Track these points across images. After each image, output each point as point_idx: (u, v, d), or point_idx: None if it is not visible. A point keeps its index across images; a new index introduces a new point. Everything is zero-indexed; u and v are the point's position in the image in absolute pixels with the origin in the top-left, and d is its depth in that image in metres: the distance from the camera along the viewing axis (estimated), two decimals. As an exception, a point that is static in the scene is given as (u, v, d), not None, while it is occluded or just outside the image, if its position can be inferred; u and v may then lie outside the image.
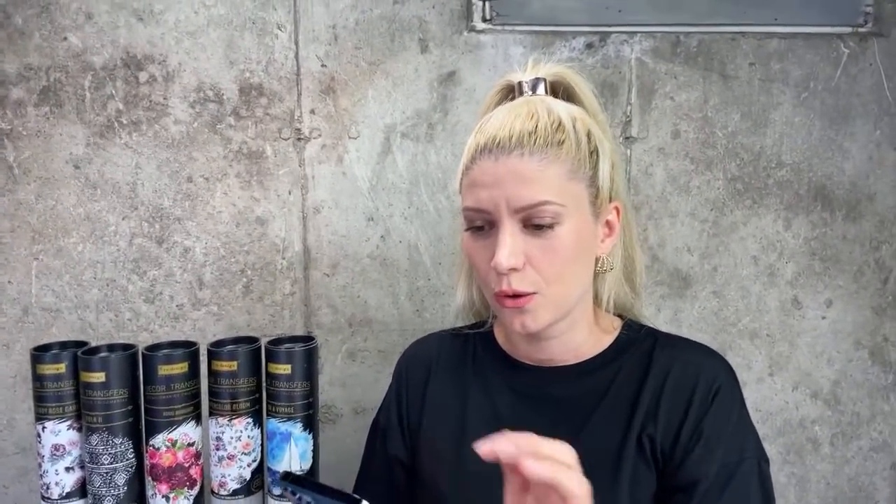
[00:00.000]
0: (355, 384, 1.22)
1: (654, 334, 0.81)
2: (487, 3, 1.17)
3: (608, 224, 0.76)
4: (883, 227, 1.25)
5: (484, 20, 1.17)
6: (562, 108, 0.72)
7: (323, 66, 1.15)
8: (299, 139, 1.16)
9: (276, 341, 0.86)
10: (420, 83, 1.17)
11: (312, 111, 1.16)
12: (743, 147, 1.22)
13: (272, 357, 0.84)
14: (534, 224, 0.68)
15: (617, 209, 0.76)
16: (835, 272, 1.25)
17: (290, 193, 1.17)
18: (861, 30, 1.22)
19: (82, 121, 1.13)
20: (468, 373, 0.85)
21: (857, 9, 1.22)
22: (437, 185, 1.19)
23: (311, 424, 0.85)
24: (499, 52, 1.18)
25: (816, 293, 1.25)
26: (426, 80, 1.17)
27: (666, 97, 1.20)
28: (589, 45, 1.19)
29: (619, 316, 0.84)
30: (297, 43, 1.14)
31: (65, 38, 1.11)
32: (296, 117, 1.16)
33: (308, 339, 0.88)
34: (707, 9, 1.20)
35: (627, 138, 1.20)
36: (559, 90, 0.77)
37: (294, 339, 0.88)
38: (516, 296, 0.70)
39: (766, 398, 1.27)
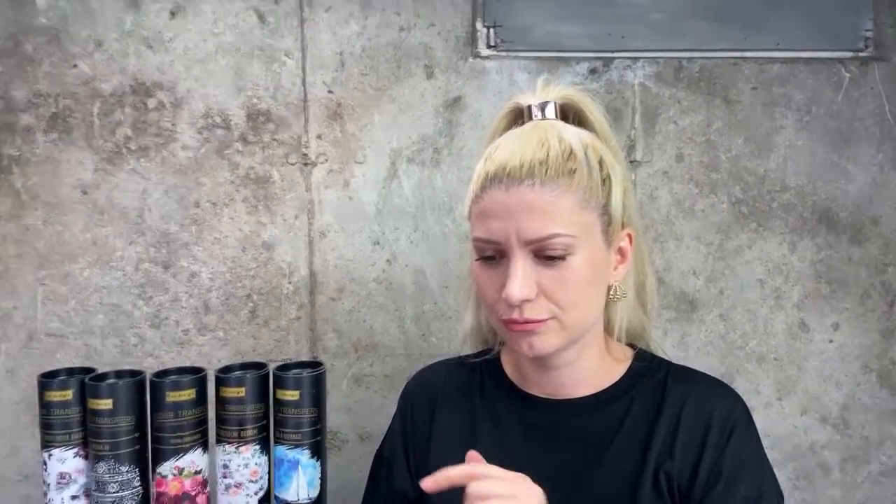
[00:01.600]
0: (361, 410, 1.21)
1: (667, 366, 0.80)
2: (492, 30, 1.19)
3: (621, 251, 0.74)
4: (888, 250, 1.25)
5: (488, 46, 1.19)
6: (573, 134, 0.71)
7: (330, 91, 1.16)
8: (306, 164, 1.17)
9: (284, 367, 0.86)
10: (426, 108, 1.18)
11: (319, 136, 1.17)
12: (747, 170, 1.22)
13: (280, 383, 0.83)
14: (545, 256, 0.67)
15: (629, 236, 0.75)
16: (841, 295, 1.25)
17: (296, 218, 1.17)
18: (862, 54, 1.23)
19: (90, 147, 1.13)
20: (476, 404, 0.82)
21: (858, 34, 1.24)
22: (442, 209, 1.19)
23: (318, 451, 0.85)
24: (503, 77, 1.19)
25: (823, 316, 1.25)
26: (432, 106, 1.18)
27: (669, 121, 1.21)
28: (593, 71, 1.20)
29: (630, 345, 0.82)
30: (304, 69, 1.16)
31: (74, 66, 1.13)
32: (303, 142, 1.17)
33: (316, 364, 0.87)
34: (709, 34, 1.21)
35: (632, 162, 1.21)
36: (569, 114, 0.76)
37: (301, 365, 0.88)
38: (527, 322, 0.69)
39: (774, 423, 1.26)
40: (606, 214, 0.70)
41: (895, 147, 1.24)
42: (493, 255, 0.70)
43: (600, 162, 0.70)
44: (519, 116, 0.77)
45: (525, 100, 0.76)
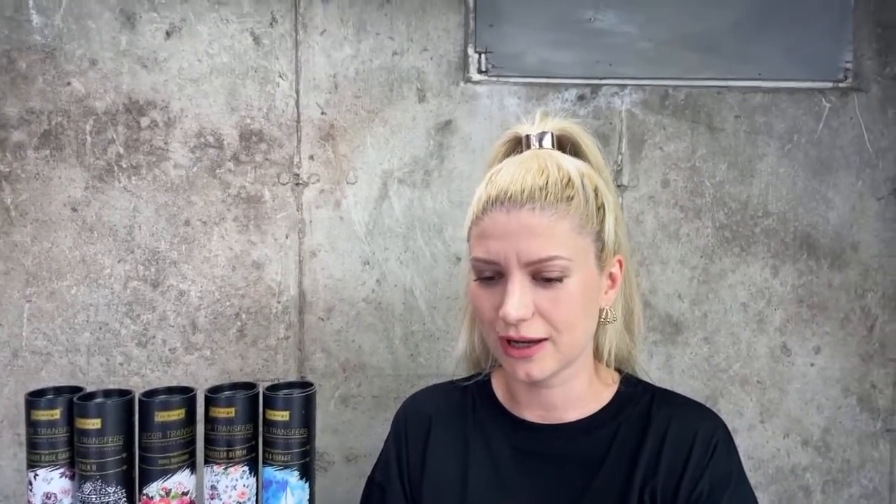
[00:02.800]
0: (348, 431, 1.21)
1: (652, 390, 0.82)
2: (483, 56, 1.21)
3: (611, 276, 0.77)
4: (867, 276, 1.28)
5: (479, 72, 1.21)
6: (570, 163, 0.74)
7: (323, 113, 1.18)
8: (297, 184, 1.18)
9: (274, 387, 0.86)
10: (417, 131, 1.20)
11: (311, 157, 1.18)
12: (730, 196, 1.25)
13: (270, 403, 0.83)
14: (543, 277, 0.70)
15: (620, 262, 0.77)
16: (822, 319, 1.27)
17: (287, 237, 1.18)
18: (841, 85, 1.27)
19: (82, 164, 1.14)
20: (468, 429, 0.83)
21: (838, 65, 1.27)
22: (432, 230, 1.21)
23: (307, 473, 0.84)
24: (494, 102, 1.21)
25: (805, 340, 1.27)
26: (423, 129, 1.20)
27: (655, 147, 1.24)
28: (581, 97, 1.23)
29: (617, 370, 0.84)
30: (297, 91, 1.17)
31: (68, 84, 1.13)
32: (295, 163, 1.18)
33: (306, 384, 0.87)
34: (694, 64, 1.24)
35: (619, 186, 1.23)
36: (566, 144, 0.79)
37: (291, 385, 0.88)
38: (524, 343, 0.71)
39: (757, 445, 1.27)
40: (600, 241, 0.73)
41: (874, 175, 1.27)
42: (492, 276, 0.72)
43: (595, 190, 0.73)
44: (517, 145, 0.80)
45: (524, 130, 0.79)
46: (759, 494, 1.26)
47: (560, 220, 0.69)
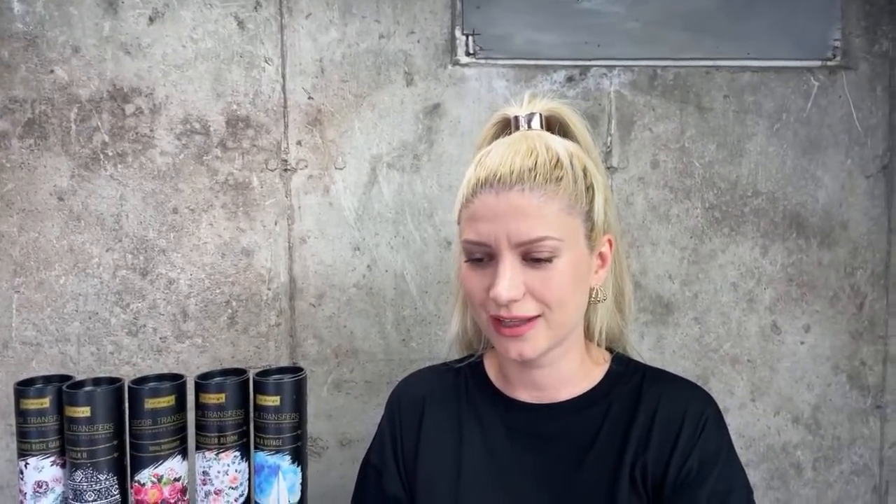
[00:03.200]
0: (341, 416, 1.21)
1: (643, 369, 0.82)
2: (471, 38, 1.20)
3: (601, 256, 0.77)
4: (857, 254, 1.28)
5: (467, 54, 1.20)
6: (559, 144, 0.73)
7: (310, 98, 1.17)
8: (286, 170, 1.17)
9: (265, 373, 0.86)
10: (406, 115, 1.19)
11: (299, 142, 1.17)
12: (720, 176, 1.25)
13: (260, 388, 0.83)
14: (533, 258, 0.70)
15: (610, 241, 0.78)
16: (811, 298, 1.28)
17: (276, 224, 1.17)
18: (830, 63, 1.27)
19: (67, 153, 1.12)
20: (462, 409, 0.84)
21: (826, 43, 1.27)
22: (423, 214, 1.20)
23: (299, 457, 0.85)
24: (482, 84, 1.20)
25: (794, 318, 1.28)
26: (412, 112, 1.19)
27: (644, 128, 1.23)
28: (569, 79, 1.22)
29: (608, 349, 0.85)
30: (284, 76, 1.16)
31: (51, 71, 1.12)
32: (282, 148, 1.17)
33: (296, 369, 0.87)
34: (682, 44, 1.24)
35: (608, 168, 1.23)
36: (554, 125, 0.79)
37: (282, 371, 0.88)
38: (515, 321, 0.71)
39: (748, 424, 1.28)
40: (590, 220, 0.73)
41: (863, 153, 1.28)
42: (482, 258, 0.73)
43: (584, 170, 0.73)
44: (506, 127, 0.80)
45: (512, 111, 0.79)
46: (750, 472, 1.28)
47: (549, 200, 0.69)
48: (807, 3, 1.26)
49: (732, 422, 1.27)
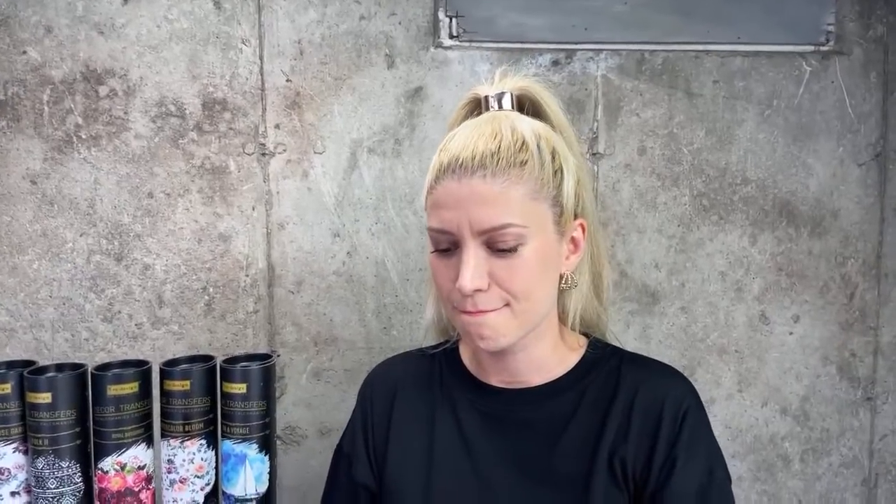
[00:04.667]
0: (321, 404, 1.19)
1: (620, 353, 0.81)
2: (454, 20, 1.17)
3: (573, 241, 0.75)
4: (848, 243, 1.26)
5: (451, 36, 1.17)
6: (526, 125, 0.71)
7: (288, 80, 1.14)
8: (264, 154, 1.15)
9: (232, 359, 0.84)
10: (387, 98, 1.17)
11: (277, 126, 1.15)
12: (708, 163, 1.22)
13: (227, 376, 0.82)
14: (498, 248, 0.68)
15: (582, 226, 0.75)
16: (801, 288, 1.26)
17: (253, 209, 1.15)
18: (823, 48, 1.24)
19: (40, 135, 1.10)
20: (435, 395, 0.83)
21: (819, 28, 1.24)
22: (404, 200, 1.18)
23: (267, 446, 0.83)
24: (465, 68, 1.18)
25: (783, 308, 1.26)
26: (393, 96, 1.17)
27: (632, 114, 1.21)
28: (555, 62, 1.19)
29: (584, 334, 0.83)
30: (261, 58, 1.13)
31: (23, 52, 1.09)
32: (260, 132, 1.14)
33: (266, 356, 0.85)
34: (671, 27, 1.21)
35: (594, 154, 1.20)
36: (525, 104, 0.76)
37: (252, 358, 0.86)
38: (480, 312, 0.69)
39: (735, 415, 1.26)
40: (558, 205, 0.71)
41: (855, 141, 1.25)
42: (448, 247, 0.71)
43: (553, 153, 0.71)
44: (477, 107, 0.78)
45: (483, 91, 0.77)
46: (737, 463, 1.26)
47: (513, 185, 0.67)
48: (800, -15, 1.23)
49: (719, 413, 1.25)
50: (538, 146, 0.70)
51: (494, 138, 0.69)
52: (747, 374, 1.26)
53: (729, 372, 1.26)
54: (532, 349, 0.77)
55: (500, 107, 0.75)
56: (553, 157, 0.71)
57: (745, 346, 1.25)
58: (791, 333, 1.26)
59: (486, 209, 0.67)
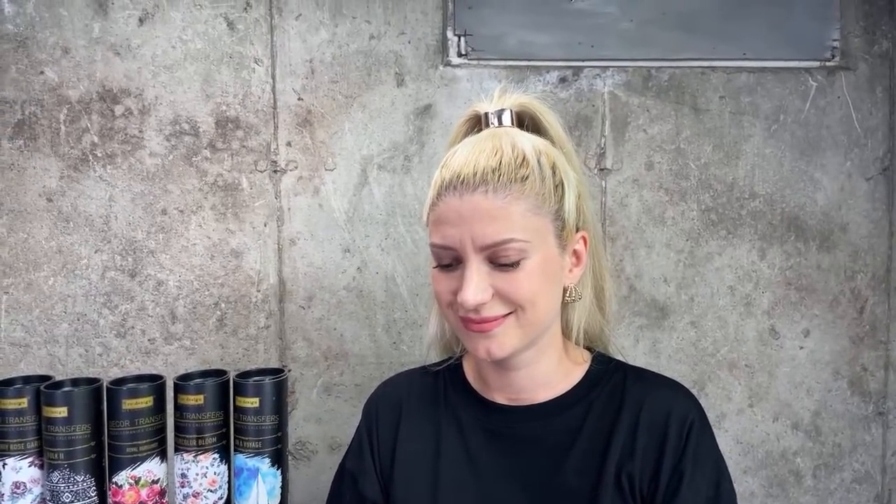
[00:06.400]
0: (331, 419, 1.20)
1: (624, 368, 0.81)
2: (463, 39, 1.19)
3: (576, 254, 0.76)
4: (857, 257, 1.26)
5: (459, 55, 1.19)
6: (526, 141, 0.72)
7: (300, 99, 1.16)
8: (275, 171, 1.16)
9: (245, 374, 0.85)
10: (396, 116, 1.18)
11: (289, 143, 1.16)
12: (716, 178, 1.23)
13: (240, 390, 0.82)
14: (500, 262, 0.68)
15: (584, 239, 0.76)
16: (811, 302, 1.26)
17: (265, 225, 1.17)
18: (828, 64, 1.25)
19: (56, 154, 1.12)
20: (440, 413, 0.83)
21: (824, 43, 1.25)
22: (413, 216, 1.19)
23: (279, 460, 0.83)
24: (474, 85, 1.19)
25: (793, 323, 1.26)
26: (402, 113, 1.18)
27: (639, 129, 1.22)
28: (563, 79, 1.21)
29: (588, 349, 0.83)
30: (273, 77, 1.15)
31: (41, 73, 1.12)
32: (272, 150, 1.16)
33: (278, 371, 0.86)
34: (677, 44, 1.22)
35: (602, 170, 1.21)
36: (525, 120, 0.77)
37: (264, 372, 0.87)
38: (484, 321, 0.70)
39: (746, 430, 1.26)
40: (560, 219, 0.72)
41: (863, 155, 1.25)
42: (450, 263, 0.71)
43: (553, 168, 0.72)
44: (477, 124, 0.78)
45: (483, 108, 0.77)
46: (748, 479, 1.26)
47: (515, 201, 0.68)
48: (804, 2, 1.24)
49: (730, 428, 1.25)
50: (539, 161, 0.70)
51: (495, 154, 0.69)
52: (758, 388, 1.25)
53: (739, 387, 1.25)
54: (536, 365, 0.77)
55: (500, 123, 0.75)
56: (554, 172, 0.71)
57: (756, 361, 1.25)
58: (801, 348, 1.26)
59: (488, 225, 0.67)
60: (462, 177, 0.68)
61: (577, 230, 0.74)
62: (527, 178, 0.69)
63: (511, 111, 0.76)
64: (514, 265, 0.68)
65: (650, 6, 1.21)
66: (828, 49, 1.25)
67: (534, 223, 0.69)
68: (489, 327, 0.70)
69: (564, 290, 0.75)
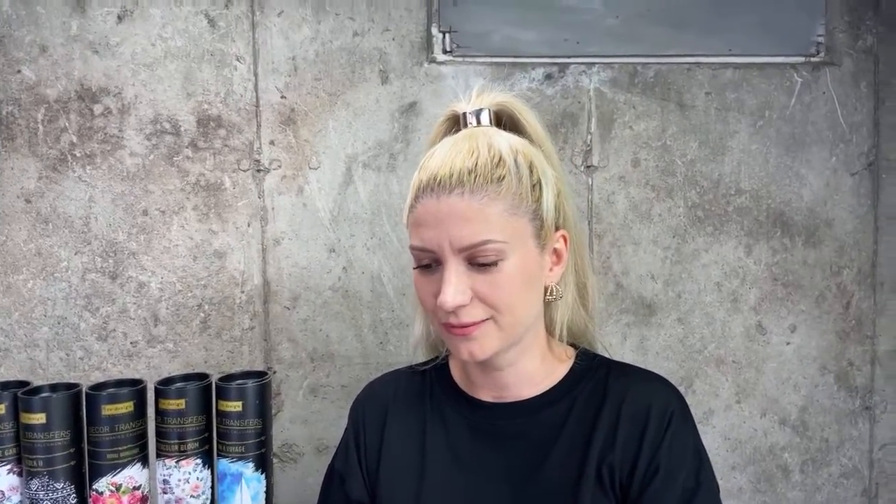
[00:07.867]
0: (317, 421, 1.19)
1: (607, 363, 0.81)
2: (448, 35, 1.18)
3: (556, 253, 0.75)
4: (843, 252, 1.26)
5: (444, 52, 1.18)
6: (503, 141, 0.71)
7: (283, 97, 1.15)
8: (259, 170, 1.15)
9: (228, 377, 0.84)
10: (381, 114, 1.17)
11: (272, 142, 1.15)
12: (702, 175, 1.23)
13: (223, 394, 0.81)
14: (478, 263, 0.68)
15: (564, 237, 0.76)
16: (797, 297, 1.26)
17: (249, 225, 1.15)
18: (813, 59, 1.25)
19: (34, 154, 1.10)
20: (426, 411, 0.83)
21: (809, 39, 1.25)
22: (399, 215, 1.18)
23: (263, 464, 0.82)
24: (459, 82, 1.18)
25: (780, 318, 1.26)
26: (387, 111, 1.17)
27: (625, 126, 1.21)
28: (548, 76, 1.20)
29: (572, 345, 0.83)
30: (256, 74, 1.14)
31: (18, 71, 1.10)
32: (255, 148, 1.15)
33: (261, 374, 0.85)
34: (663, 40, 1.22)
35: (588, 167, 1.21)
36: (503, 119, 0.77)
37: (247, 375, 0.86)
38: (463, 326, 0.69)
39: (734, 426, 1.26)
40: (538, 219, 0.71)
41: (848, 150, 1.26)
42: (430, 264, 0.71)
43: (530, 167, 0.71)
44: (455, 124, 0.78)
45: (461, 107, 0.77)
46: (736, 475, 1.26)
47: (491, 202, 0.68)
48: (789, -2, 1.24)
49: (718, 424, 1.25)
50: (515, 161, 0.70)
51: (471, 155, 0.69)
52: (745, 384, 1.26)
53: (727, 383, 1.25)
54: (520, 363, 0.77)
55: (479, 123, 0.75)
56: (531, 172, 0.71)
57: (743, 357, 1.25)
58: (788, 343, 1.26)
59: (465, 227, 0.67)
60: (439, 179, 0.68)
61: (557, 229, 0.74)
62: (503, 178, 0.68)
63: (489, 110, 0.75)
64: (492, 265, 0.68)
65: (636, 2, 1.21)
66: (813, 44, 1.25)
67: (511, 223, 0.69)
68: (469, 331, 0.70)
69: (546, 289, 0.75)
